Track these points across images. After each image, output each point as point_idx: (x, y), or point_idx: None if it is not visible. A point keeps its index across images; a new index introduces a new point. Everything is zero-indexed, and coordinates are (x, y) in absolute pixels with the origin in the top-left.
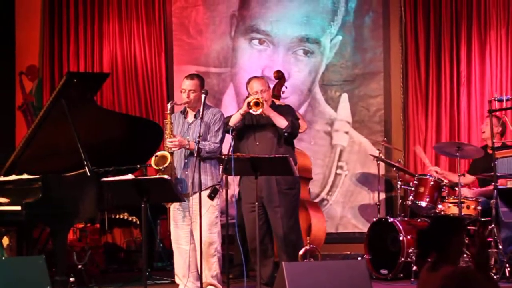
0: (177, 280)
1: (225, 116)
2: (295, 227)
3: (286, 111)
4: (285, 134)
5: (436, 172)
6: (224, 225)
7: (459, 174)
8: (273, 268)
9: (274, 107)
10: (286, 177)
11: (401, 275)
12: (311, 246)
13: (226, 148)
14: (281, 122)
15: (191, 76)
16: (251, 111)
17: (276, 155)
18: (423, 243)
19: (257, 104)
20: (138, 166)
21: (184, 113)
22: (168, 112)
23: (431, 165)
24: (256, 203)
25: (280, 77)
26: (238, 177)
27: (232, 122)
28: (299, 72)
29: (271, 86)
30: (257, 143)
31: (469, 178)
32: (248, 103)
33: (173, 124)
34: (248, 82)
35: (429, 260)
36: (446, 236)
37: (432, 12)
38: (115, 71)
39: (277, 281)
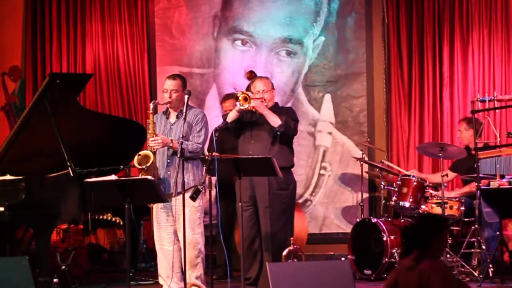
0: (160, 281)
1: (223, 114)
2: (285, 228)
3: (284, 111)
4: (278, 132)
5: (412, 174)
6: (208, 225)
7: (442, 174)
8: (259, 268)
9: (275, 108)
10: (278, 177)
11: (385, 275)
12: (295, 246)
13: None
14: (275, 120)
15: (173, 76)
16: (238, 104)
17: (259, 156)
18: (407, 240)
19: (245, 99)
20: (122, 166)
21: (166, 113)
22: (151, 111)
23: (408, 171)
24: (240, 204)
25: (252, 77)
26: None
27: (229, 119)
28: (282, 72)
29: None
30: (252, 142)
31: (451, 176)
32: (237, 97)
33: (156, 124)
34: (252, 81)
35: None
36: (429, 235)
37: (414, 13)
38: (98, 72)
39: (261, 281)
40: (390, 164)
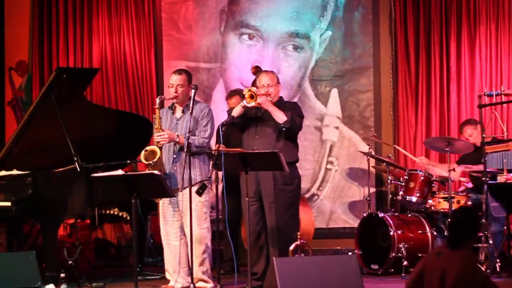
0: (167, 275)
1: (228, 109)
2: (291, 223)
3: (290, 107)
4: (283, 129)
5: (421, 161)
6: (214, 220)
7: (449, 169)
8: (266, 263)
9: (280, 103)
10: (283, 172)
11: (392, 270)
12: (302, 241)
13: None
14: (280, 116)
15: (178, 71)
16: (244, 102)
17: (266, 151)
18: (456, 234)
19: (251, 96)
20: (128, 161)
21: (172, 108)
22: (157, 106)
23: (417, 157)
24: (247, 199)
25: (258, 72)
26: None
27: (234, 113)
28: (289, 67)
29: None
30: (257, 136)
31: (458, 170)
32: (243, 95)
33: (162, 119)
34: (257, 76)
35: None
36: (475, 228)
37: (421, 7)
38: (104, 67)
39: (268, 276)
40: (401, 149)
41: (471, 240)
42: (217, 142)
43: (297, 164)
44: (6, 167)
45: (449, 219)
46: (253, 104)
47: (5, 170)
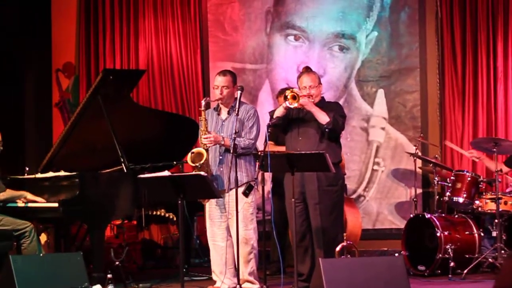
0: (214, 276)
1: (270, 110)
2: (336, 223)
3: (332, 108)
4: (326, 130)
5: (472, 154)
6: (261, 221)
7: (496, 170)
8: (311, 264)
9: (322, 103)
10: (327, 173)
11: (439, 271)
12: (348, 242)
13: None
14: (323, 118)
15: (223, 73)
16: (287, 103)
17: (312, 151)
18: None
19: (294, 97)
20: (175, 162)
21: (217, 109)
22: (203, 108)
23: (466, 151)
24: (293, 200)
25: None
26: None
27: (276, 115)
28: (334, 68)
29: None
30: (300, 138)
31: (506, 171)
32: (285, 96)
33: (207, 120)
34: (299, 76)
35: None
36: None
37: (468, 6)
38: (151, 68)
39: (315, 277)
40: (452, 146)
41: None
42: (264, 143)
43: (343, 164)
44: (53, 168)
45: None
46: (295, 105)
47: (53, 171)
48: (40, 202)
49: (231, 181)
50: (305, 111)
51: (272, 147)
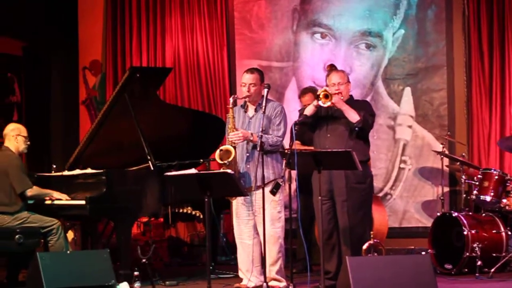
0: (240, 274)
1: (300, 108)
2: (363, 221)
3: (361, 106)
4: (356, 128)
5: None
6: (287, 219)
7: None
8: (338, 262)
9: (351, 101)
10: (356, 171)
11: (466, 270)
12: (375, 240)
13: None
14: (353, 116)
15: (251, 70)
16: (320, 102)
17: (339, 149)
18: None
19: (326, 96)
20: (202, 160)
21: (244, 107)
22: (230, 106)
23: None
24: (320, 197)
25: (330, 71)
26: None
27: (306, 112)
28: (361, 66)
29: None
30: (328, 135)
31: None
32: (318, 95)
33: (235, 118)
34: (327, 74)
35: None
36: None
37: (495, 4)
38: (177, 66)
39: (341, 275)
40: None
41: None
42: (291, 141)
43: (370, 163)
44: (80, 166)
45: None
46: (328, 104)
47: (80, 168)
48: (67, 200)
49: (258, 179)
50: (334, 109)
51: (299, 147)
